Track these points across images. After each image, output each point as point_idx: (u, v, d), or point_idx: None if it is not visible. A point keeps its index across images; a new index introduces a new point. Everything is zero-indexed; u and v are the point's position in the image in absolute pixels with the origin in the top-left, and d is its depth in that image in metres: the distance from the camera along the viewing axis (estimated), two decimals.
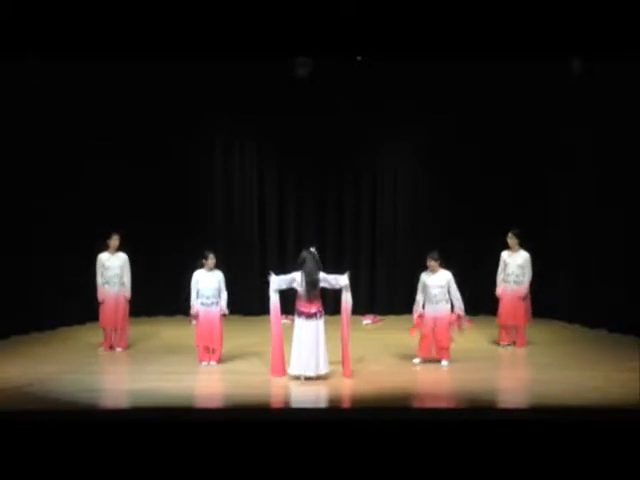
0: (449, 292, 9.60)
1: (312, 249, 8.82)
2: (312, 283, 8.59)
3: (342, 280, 8.79)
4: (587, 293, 12.11)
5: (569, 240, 12.65)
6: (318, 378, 8.53)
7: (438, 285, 9.59)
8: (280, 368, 8.75)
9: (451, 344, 9.62)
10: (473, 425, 6.15)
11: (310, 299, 8.64)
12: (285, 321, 12.96)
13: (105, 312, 10.54)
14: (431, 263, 9.62)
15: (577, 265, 12.44)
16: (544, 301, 13.04)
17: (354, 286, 13.58)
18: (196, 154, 13.51)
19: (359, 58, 11.79)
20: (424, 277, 9.70)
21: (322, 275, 8.69)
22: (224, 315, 9.69)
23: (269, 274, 8.96)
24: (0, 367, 9.22)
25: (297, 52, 10.88)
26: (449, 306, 9.62)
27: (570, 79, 11.81)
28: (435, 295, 9.59)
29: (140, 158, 13.06)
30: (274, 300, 8.84)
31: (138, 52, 8.86)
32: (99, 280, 10.54)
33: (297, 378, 8.53)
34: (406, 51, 8.82)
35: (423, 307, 9.69)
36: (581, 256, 12.32)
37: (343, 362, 8.75)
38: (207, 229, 13.42)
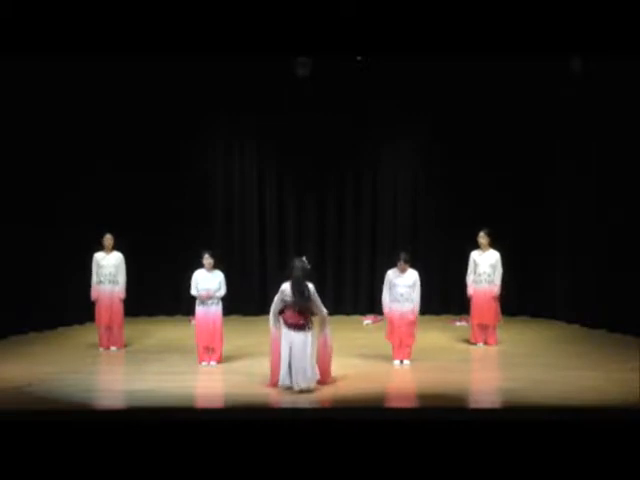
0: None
1: (303, 258, 8.40)
2: (299, 291, 8.10)
3: (324, 311, 8.33)
4: (587, 293, 12.11)
5: (569, 240, 12.65)
6: (309, 391, 8.07)
7: (406, 284, 9.46)
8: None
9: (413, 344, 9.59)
10: (474, 425, 6.15)
11: (300, 310, 8.14)
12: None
13: (99, 310, 10.57)
14: (404, 265, 9.43)
15: (577, 265, 12.43)
16: (544, 301, 13.08)
17: (355, 286, 13.80)
18: (196, 154, 13.52)
19: (359, 58, 11.80)
20: (391, 275, 9.53)
21: (312, 289, 8.21)
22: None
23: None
24: (0, 367, 9.21)
25: (297, 52, 10.89)
26: (412, 306, 9.50)
27: (570, 79, 11.81)
28: (402, 294, 9.43)
29: (140, 158, 13.06)
30: (272, 325, 8.32)
31: (138, 52, 8.86)
32: (94, 279, 10.57)
33: (289, 388, 8.09)
34: (406, 51, 8.82)
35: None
36: (580, 256, 12.32)
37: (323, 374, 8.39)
38: (207, 229, 13.43)
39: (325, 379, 8.38)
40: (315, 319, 8.37)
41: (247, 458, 5.60)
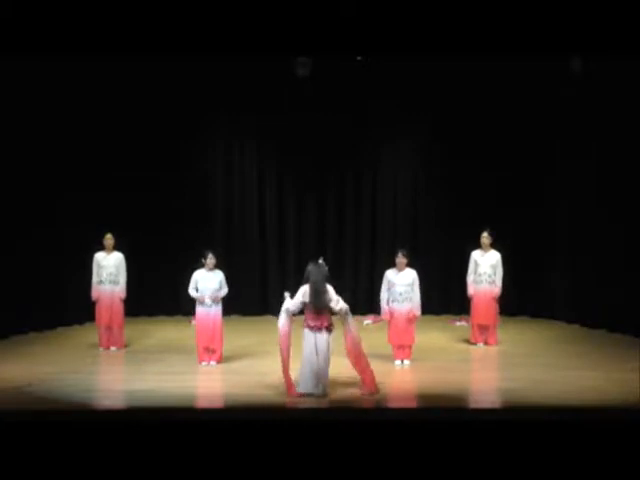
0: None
1: (320, 261, 8.14)
2: (316, 293, 7.88)
3: (342, 303, 7.96)
4: (587, 293, 12.10)
5: (569, 240, 12.65)
6: (324, 396, 7.85)
7: (404, 283, 9.45)
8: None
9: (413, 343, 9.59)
10: (474, 425, 6.15)
11: (318, 312, 7.93)
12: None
13: (100, 310, 10.57)
14: (402, 260, 9.42)
15: (576, 265, 12.43)
16: (544, 301, 13.08)
17: (355, 286, 13.79)
18: (196, 154, 13.52)
19: (359, 58, 11.80)
20: (390, 275, 9.50)
21: (330, 289, 7.98)
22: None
23: (284, 296, 8.08)
24: (0, 367, 9.21)
25: (297, 52, 10.88)
26: (411, 305, 9.48)
27: (570, 79, 11.81)
28: (401, 294, 9.42)
29: (140, 158, 13.05)
30: (283, 323, 7.89)
31: (138, 52, 8.86)
32: (94, 279, 10.58)
33: (310, 395, 7.83)
34: (406, 51, 8.82)
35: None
36: (580, 256, 12.32)
37: (367, 382, 8.06)
38: (207, 229, 13.43)
39: (371, 387, 7.99)
40: (336, 320, 8.07)
41: (247, 458, 5.61)
